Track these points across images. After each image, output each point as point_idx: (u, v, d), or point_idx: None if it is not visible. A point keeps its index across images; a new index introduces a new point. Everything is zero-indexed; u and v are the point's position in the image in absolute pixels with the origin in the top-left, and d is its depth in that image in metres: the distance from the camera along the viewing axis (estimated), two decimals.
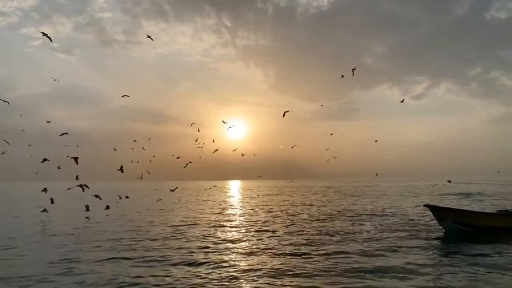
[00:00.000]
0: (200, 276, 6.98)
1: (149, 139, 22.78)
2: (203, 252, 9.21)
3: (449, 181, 66.65)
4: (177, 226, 14.24)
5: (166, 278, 6.80)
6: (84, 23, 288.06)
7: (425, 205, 13.06)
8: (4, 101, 14.42)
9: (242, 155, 22.94)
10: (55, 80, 17.21)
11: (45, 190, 17.00)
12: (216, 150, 21.62)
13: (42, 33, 12.44)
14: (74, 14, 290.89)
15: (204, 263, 8.00)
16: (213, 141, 22.31)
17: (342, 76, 17.28)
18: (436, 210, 12.49)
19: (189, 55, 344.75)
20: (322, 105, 24.67)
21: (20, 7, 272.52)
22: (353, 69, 15.99)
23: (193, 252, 9.18)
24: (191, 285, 6.45)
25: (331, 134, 23.01)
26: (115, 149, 22.05)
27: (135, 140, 21.64)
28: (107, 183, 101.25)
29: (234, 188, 70.08)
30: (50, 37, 12.73)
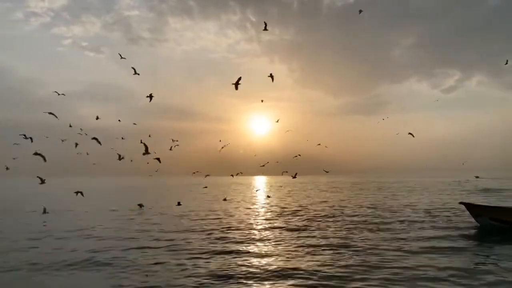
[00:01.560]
0: None
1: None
2: None
3: (477, 177, 64.87)
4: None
5: None
6: (111, 22, 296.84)
7: (460, 203, 13.17)
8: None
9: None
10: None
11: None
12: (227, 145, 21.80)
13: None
14: (102, 13, 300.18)
15: None
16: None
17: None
18: (472, 208, 12.40)
19: (214, 51, 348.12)
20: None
21: (51, 8, 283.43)
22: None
23: None
24: None
25: (325, 146, 23.14)
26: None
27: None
28: (135, 177, 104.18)
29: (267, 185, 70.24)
30: None
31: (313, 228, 12.81)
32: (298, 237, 11.23)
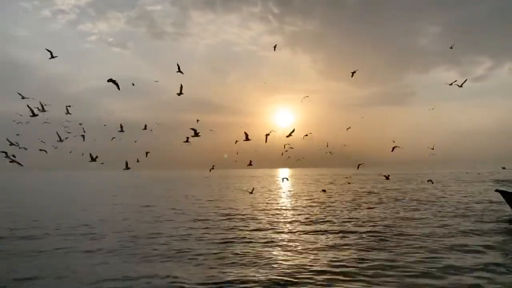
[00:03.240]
0: None
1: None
2: None
3: (503, 168, 62.36)
4: None
5: None
6: (135, 17, 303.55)
7: (496, 191, 12.62)
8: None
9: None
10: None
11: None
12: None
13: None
14: (126, 9, 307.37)
15: None
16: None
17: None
18: (508, 196, 11.87)
19: (237, 44, 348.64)
20: None
21: (77, 5, 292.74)
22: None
23: None
24: None
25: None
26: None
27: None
28: (164, 171, 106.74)
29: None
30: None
31: None
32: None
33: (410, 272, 6.18)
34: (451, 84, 13.53)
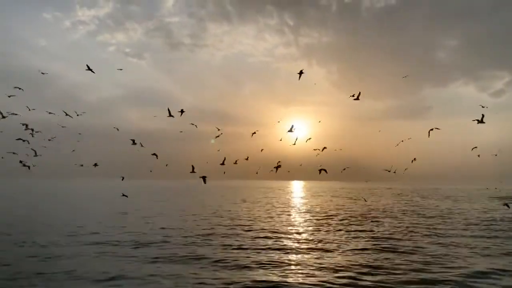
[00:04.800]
0: None
1: None
2: None
3: None
4: None
5: None
6: (153, 28, 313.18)
7: None
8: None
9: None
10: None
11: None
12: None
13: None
14: (144, 20, 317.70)
15: None
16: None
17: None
18: None
19: (252, 55, 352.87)
20: None
21: (97, 16, 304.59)
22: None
23: None
24: None
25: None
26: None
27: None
28: (175, 180, 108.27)
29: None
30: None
31: None
32: None
33: None
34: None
